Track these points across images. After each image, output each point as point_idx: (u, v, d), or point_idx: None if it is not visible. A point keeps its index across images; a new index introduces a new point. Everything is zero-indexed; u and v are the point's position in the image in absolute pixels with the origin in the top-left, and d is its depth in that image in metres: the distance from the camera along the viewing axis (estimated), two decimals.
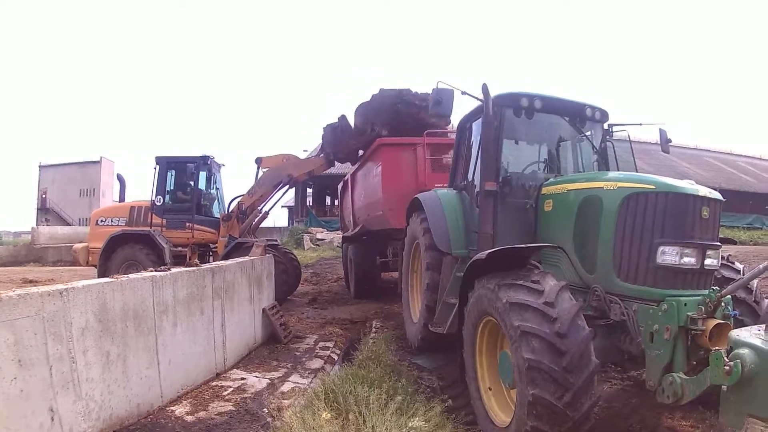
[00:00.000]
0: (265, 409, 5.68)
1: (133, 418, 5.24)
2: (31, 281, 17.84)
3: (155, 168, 13.59)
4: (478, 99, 6.30)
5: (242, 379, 6.90)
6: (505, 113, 6.24)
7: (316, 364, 7.80)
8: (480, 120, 6.46)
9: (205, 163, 13.82)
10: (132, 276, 5.67)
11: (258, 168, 13.75)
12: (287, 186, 13.76)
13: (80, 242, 16.40)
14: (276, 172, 13.57)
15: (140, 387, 5.40)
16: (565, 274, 5.28)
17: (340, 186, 17.21)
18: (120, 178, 15.99)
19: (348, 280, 15.44)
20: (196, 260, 7.64)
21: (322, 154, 13.50)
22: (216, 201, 14.50)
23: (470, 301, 5.09)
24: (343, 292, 15.57)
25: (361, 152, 13.05)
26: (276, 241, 14.65)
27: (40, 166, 54.08)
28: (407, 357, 7.75)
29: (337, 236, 28.92)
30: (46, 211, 52.28)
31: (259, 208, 13.97)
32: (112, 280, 5.26)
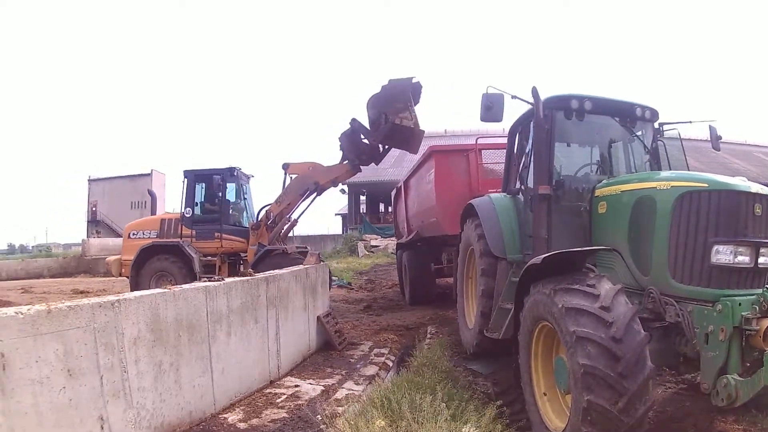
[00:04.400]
0: (318, 416, 5.67)
1: (185, 425, 5.30)
2: (81, 292, 18.47)
3: (183, 181, 14.08)
4: (528, 102, 6.26)
5: (296, 386, 6.96)
6: (556, 116, 6.19)
7: (371, 370, 7.82)
8: (531, 123, 6.42)
9: (231, 174, 14.20)
10: (185, 286, 5.78)
11: (285, 174, 13.88)
12: (315, 194, 13.81)
13: (114, 255, 16.97)
14: (302, 180, 13.66)
15: (193, 395, 5.47)
16: (620, 277, 5.19)
17: (393, 193, 17.28)
18: (151, 193, 16.60)
19: (403, 286, 15.47)
20: (250, 269, 7.78)
21: (346, 161, 13.50)
22: (244, 211, 14.83)
23: (526, 306, 5.03)
24: (398, 299, 15.61)
25: (381, 148, 13.07)
26: (306, 248, 14.89)
27: (89, 180, 55.37)
28: (462, 363, 7.70)
29: (391, 243, 29.03)
30: (96, 224, 53.46)
31: (288, 215, 14.11)
32: (165, 291, 5.36)
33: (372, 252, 31.23)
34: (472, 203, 7.83)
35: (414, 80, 11.96)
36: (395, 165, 37.68)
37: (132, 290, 12.46)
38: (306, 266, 9.37)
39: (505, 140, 8.17)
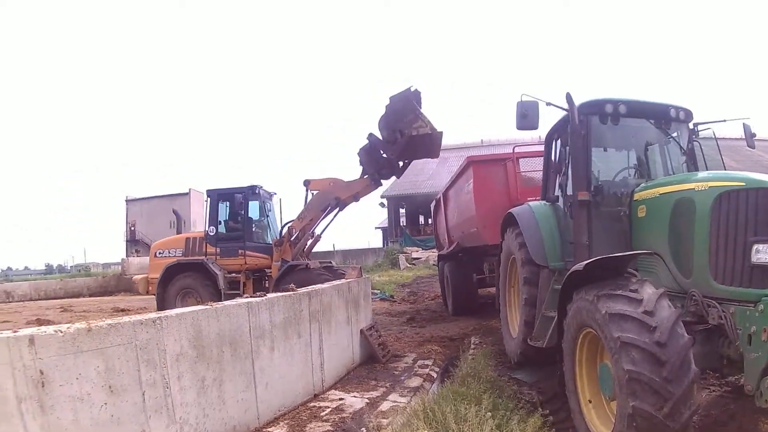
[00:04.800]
0: (363, 429, 5.69)
1: None
2: (122, 310, 18.87)
3: (206, 200, 14.57)
4: (563, 109, 6.26)
5: (340, 399, 6.99)
6: (591, 121, 6.18)
7: (415, 382, 7.82)
8: (567, 130, 6.42)
9: (253, 192, 14.51)
10: (227, 303, 5.88)
11: (307, 190, 14.10)
12: (337, 209, 13.98)
13: (140, 273, 17.33)
14: (323, 196, 13.86)
15: (236, 410, 5.52)
16: (662, 281, 5.14)
17: (432, 205, 17.33)
18: (176, 213, 16.87)
19: (445, 297, 15.46)
20: (293, 285, 7.89)
21: (366, 176, 13.63)
22: (268, 227, 15.10)
23: (569, 314, 5.02)
24: (441, 310, 15.59)
25: (401, 163, 13.21)
26: (331, 262, 15.02)
27: (127, 200, 56.15)
28: (506, 372, 7.68)
29: (432, 255, 28.96)
30: (135, 243, 54.09)
31: (311, 231, 14.33)
32: (207, 307, 5.43)
33: (413, 264, 31.22)
34: (512, 212, 7.84)
35: (412, 89, 12.22)
36: (433, 177, 37.70)
37: (158, 307, 13.38)
38: (348, 280, 9.46)
39: (541, 147, 8.16)
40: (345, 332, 8.57)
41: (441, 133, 12.27)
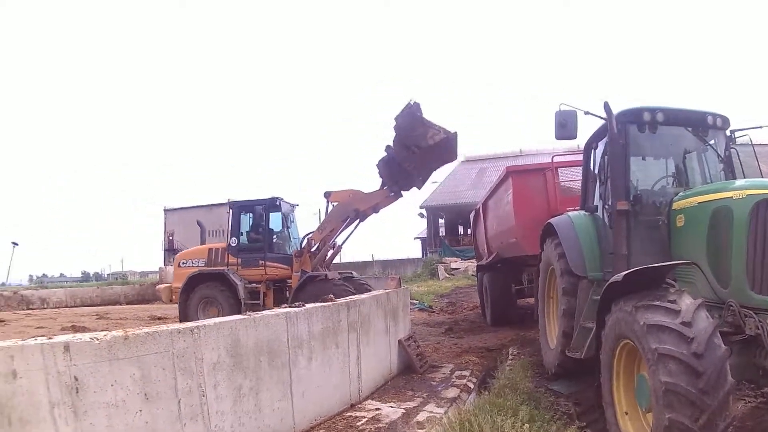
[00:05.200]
0: None
1: None
2: (159, 318, 19.17)
3: (228, 212, 15.06)
4: (601, 118, 6.23)
5: (377, 409, 7.01)
6: (630, 130, 6.14)
7: (452, 393, 7.81)
8: (605, 139, 6.38)
9: (273, 204, 14.81)
10: (265, 312, 6.00)
11: (327, 202, 14.36)
12: (358, 220, 14.23)
13: (164, 283, 17.84)
14: (343, 207, 14.09)
15: (272, 418, 5.55)
16: (700, 291, 5.06)
17: (472, 215, 17.30)
18: (200, 224, 17.30)
19: (484, 308, 15.39)
20: (332, 296, 8.00)
21: (385, 187, 13.81)
22: (288, 239, 15.33)
23: (608, 325, 4.98)
24: (479, 321, 15.51)
25: (421, 178, 13.39)
26: (351, 273, 15.26)
27: (165, 210, 56.82)
28: (544, 383, 7.61)
29: (471, 265, 28.82)
30: (173, 252, 54.57)
31: (331, 242, 14.54)
32: (245, 317, 5.50)
33: (452, 274, 31.11)
34: (552, 222, 7.80)
35: (412, 102, 12.45)
36: (473, 187, 37.58)
37: (180, 316, 13.97)
38: (387, 290, 9.51)
39: (580, 157, 8.11)
40: (383, 342, 8.61)
41: (455, 133, 12.49)
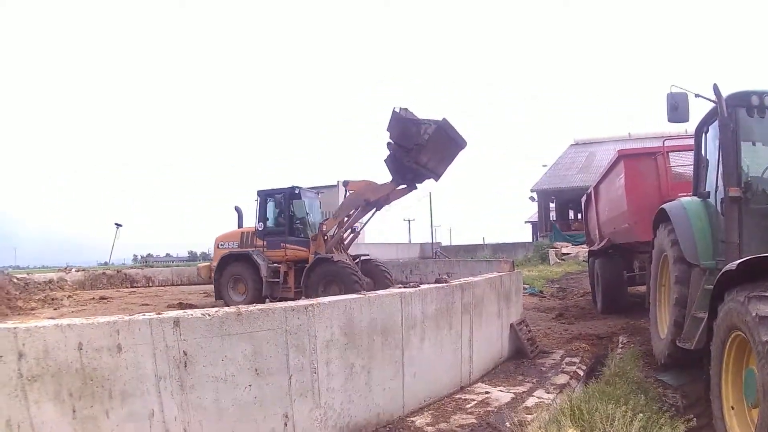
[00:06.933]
0: (507, 424, 5.63)
1: (371, 426, 5.46)
2: (265, 297, 19.96)
3: (256, 200, 17.02)
4: (711, 101, 6.06)
5: (486, 392, 7.05)
6: (739, 114, 5.94)
7: (562, 379, 7.78)
8: (715, 123, 6.19)
9: (293, 192, 16.72)
10: (380, 292, 6.19)
11: (345, 191, 15.94)
12: (373, 209, 15.56)
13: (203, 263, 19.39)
14: (355, 197, 15.50)
15: (382, 397, 5.62)
16: None
17: (583, 199, 16.98)
18: (237, 209, 18.50)
19: (594, 294, 15.12)
20: (446, 275, 8.33)
21: (393, 180, 14.85)
22: (307, 223, 16.82)
23: (719, 315, 4.88)
24: (590, 307, 15.28)
25: (424, 173, 14.58)
26: (368, 255, 16.94)
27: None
28: (653, 374, 7.51)
29: (582, 250, 28.22)
30: None
31: (346, 227, 16.16)
32: (360, 296, 5.62)
33: (563, 260, 30.55)
34: (665, 208, 7.61)
35: (397, 108, 13.67)
36: (582, 171, 36.68)
37: (215, 291, 16.48)
38: (500, 274, 9.57)
39: (690, 141, 7.87)
40: (495, 325, 8.58)
41: (444, 120, 13.41)
